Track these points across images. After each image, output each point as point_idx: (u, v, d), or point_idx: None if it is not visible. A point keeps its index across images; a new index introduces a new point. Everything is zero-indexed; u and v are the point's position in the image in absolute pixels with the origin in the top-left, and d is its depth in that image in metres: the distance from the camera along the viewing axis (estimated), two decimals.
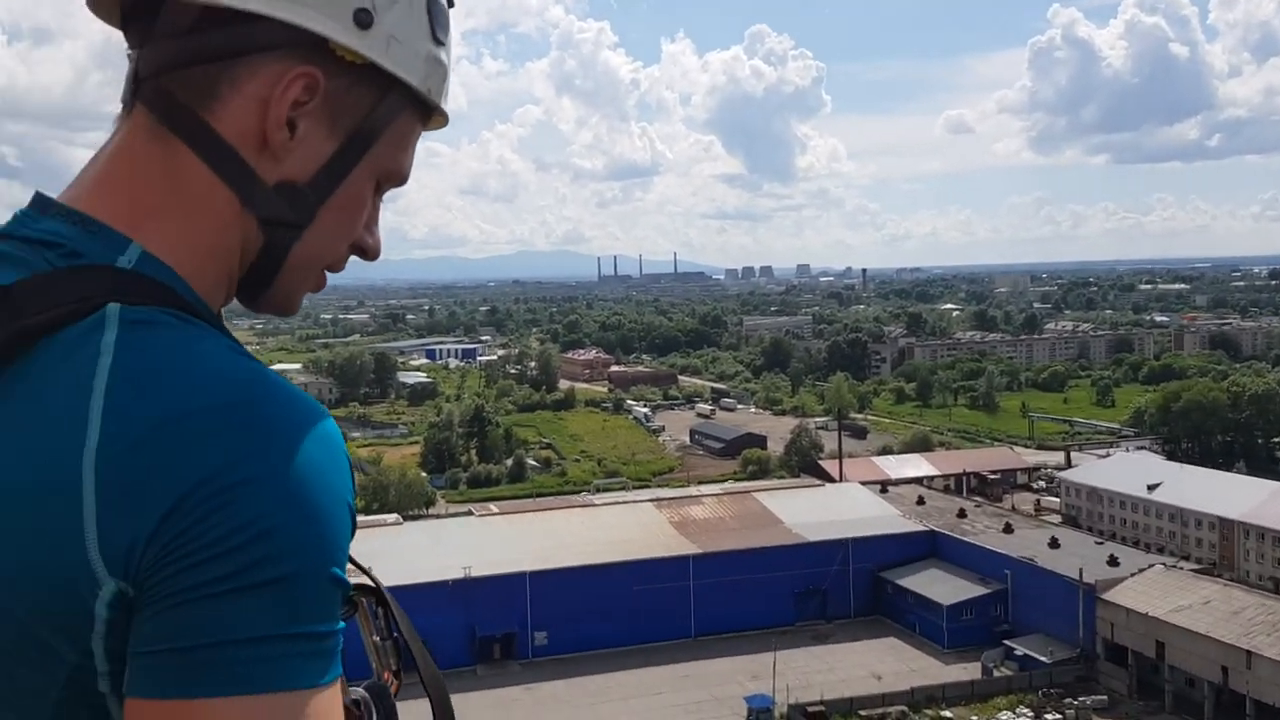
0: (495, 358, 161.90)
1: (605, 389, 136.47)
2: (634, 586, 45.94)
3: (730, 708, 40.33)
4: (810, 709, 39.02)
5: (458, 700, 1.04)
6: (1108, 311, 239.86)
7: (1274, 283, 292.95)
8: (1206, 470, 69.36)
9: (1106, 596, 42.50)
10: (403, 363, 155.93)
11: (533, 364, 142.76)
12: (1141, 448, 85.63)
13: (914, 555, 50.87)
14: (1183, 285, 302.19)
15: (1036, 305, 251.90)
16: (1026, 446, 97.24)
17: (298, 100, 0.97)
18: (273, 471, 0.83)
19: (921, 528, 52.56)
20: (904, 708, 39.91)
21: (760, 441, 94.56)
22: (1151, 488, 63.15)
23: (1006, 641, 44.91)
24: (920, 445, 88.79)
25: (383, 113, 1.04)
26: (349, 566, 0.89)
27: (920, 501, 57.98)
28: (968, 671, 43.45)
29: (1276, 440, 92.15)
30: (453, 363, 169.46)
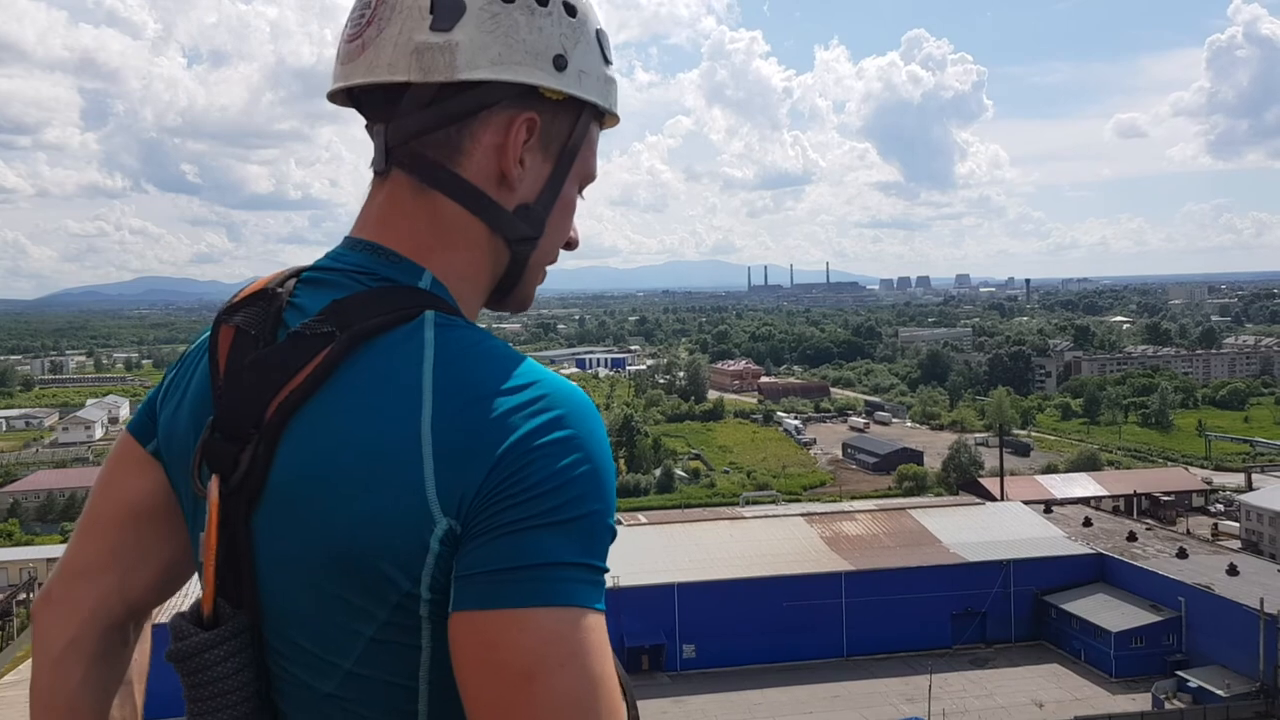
0: (644, 367, 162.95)
1: (755, 400, 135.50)
2: (784, 602, 45.23)
3: None
4: None
5: None
6: None
7: None
8: None
9: None
10: (554, 371, 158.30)
11: (681, 374, 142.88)
12: None
13: (1080, 579, 48.57)
14: None
15: (1214, 318, 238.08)
16: (1203, 467, 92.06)
17: (524, 140, 1.21)
18: (574, 435, 1.05)
19: (1088, 550, 50.19)
20: None
21: (916, 457, 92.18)
22: None
23: (1179, 673, 42.36)
24: (1087, 464, 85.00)
25: (580, 131, 1.27)
26: None
27: (1087, 523, 55.41)
28: (1136, 703, 41.09)
29: None
30: (602, 372, 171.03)
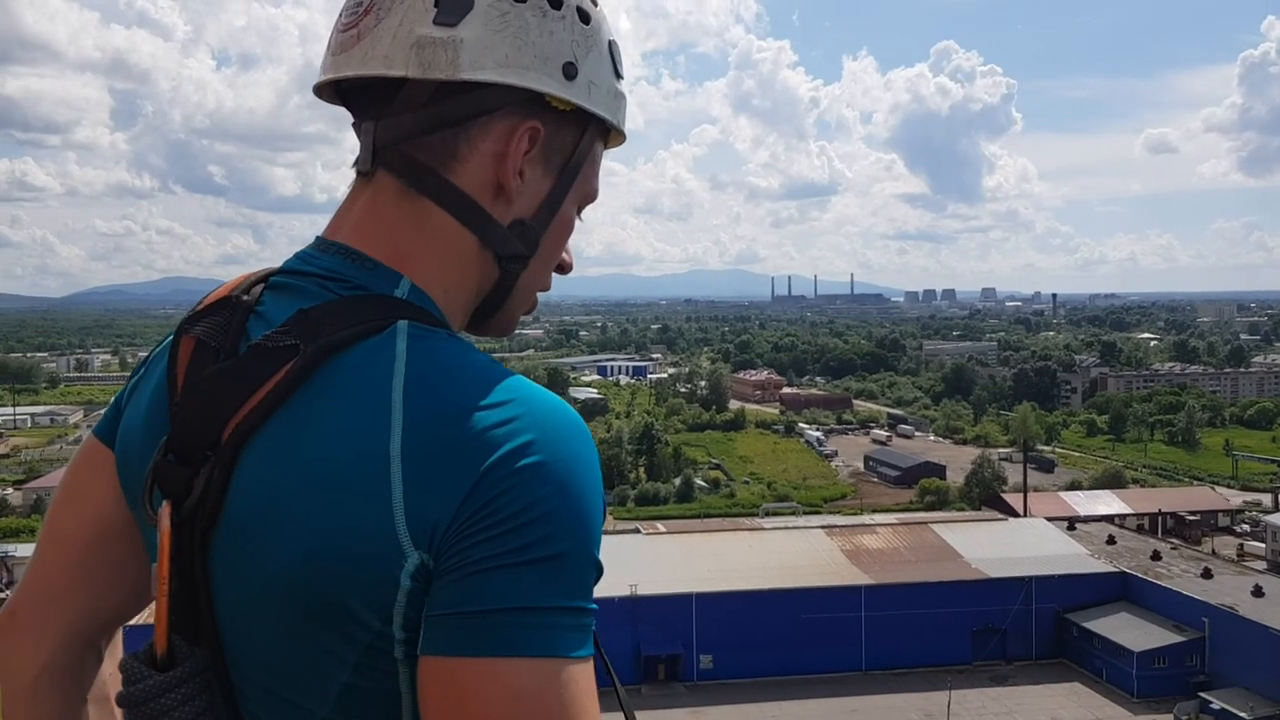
0: (666, 376, 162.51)
1: (777, 411, 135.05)
2: (803, 615, 44.95)
3: None
4: None
5: None
6: None
7: None
8: None
9: None
10: (575, 378, 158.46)
11: (703, 383, 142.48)
12: None
13: (1102, 597, 48.05)
14: None
15: (1243, 336, 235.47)
16: (1229, 487, 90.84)
17: (526, 151, 1.12)
18: (549, 461, 0.94)
19: (1111, 569, 49.67)
20: None
21: (939, 471, 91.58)
22: None
23: (1202, 694, 41.83)
24: (1112, 481, 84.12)
25: (584, 146, 1.18)
26: None
27: (1111, 541, 54.88)
28: None
29: None
30: (623, 380, 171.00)
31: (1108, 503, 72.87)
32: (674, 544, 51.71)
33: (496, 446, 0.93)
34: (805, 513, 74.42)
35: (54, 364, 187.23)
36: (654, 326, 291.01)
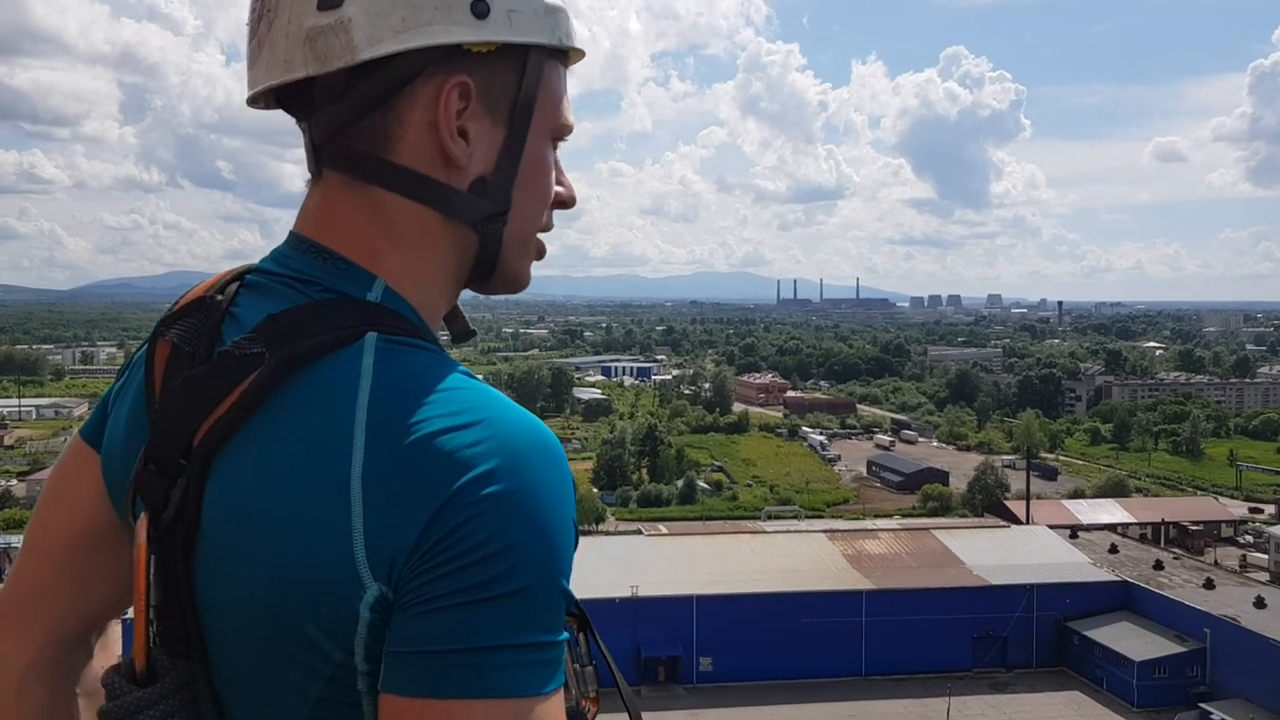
0: (670, 377, 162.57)
1: (780, 414, 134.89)
2: (803, 619, 44.92)
3: None
4: None
5: None
6: None
7: None
8: None
9: None
10: (579, 378, 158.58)
11: (707, 385, 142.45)
12: None
13: (1104, 606, 47.97)
14: None
15: (1250, 347, 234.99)
16: (1233, 498, 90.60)
17: (459, 110, 1.04)
18: (513, 490, 0.90)
19: (1113, 578, 49.59)
20: None
21: (942, 477, 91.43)
22: None
23: (1203, 705, 41.71)
24: (1115, 490, 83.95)
25: (530, 79, 1.09)
26: None
27: (1113, 550, 54.78)
28: None
29: None
30: (628, 380, 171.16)
31: (1111, 511, 72.69)
32: (676, 546, 51.72)
33: (458, 475, 0.89)
34: (807, 516, 74.45)
35: (59, 356, 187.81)
36: (659, 328, 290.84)
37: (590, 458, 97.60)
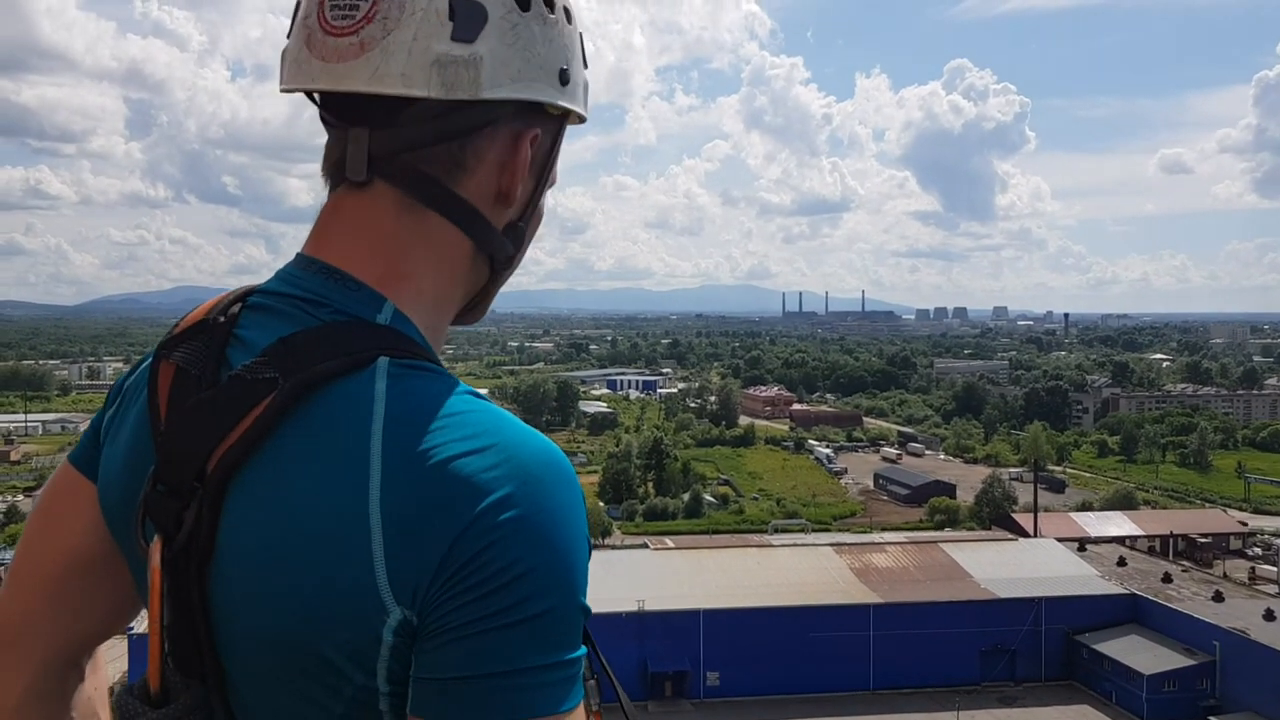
0: (675, 390, 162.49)
1: (786, 427, 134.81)
2: (811, 633, 44.76)
3: None
4: None
5: None
6: None
7: None
8: None
9: None
10: (584, 392, 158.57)
11: (713, 398, 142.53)
12: None
13: (1112, 619, 47.77)
14: None
15: (1257, 358, 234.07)
16: (1241, 510, 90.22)
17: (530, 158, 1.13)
18: (530, 515, 0.92)
19: (1122, 590, 49.38)
20: None
21: (949, 490, 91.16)
22: None
23: (1212, 718, 41.65)
24: (1123, 503, 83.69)
25: (559, 141, 1.20)
26: None
27: (1121, 563, 54.55)
28: None
29: None
30: (633, 394, 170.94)
31: (1119, 524, 72.47)
32: (682, 559, 51.58)
33: (476, 501, 0.91)
34: (814, 530, 74.26)
35: (66, 371, 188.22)
36: (664, 341, 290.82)
37: (596, 471, 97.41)
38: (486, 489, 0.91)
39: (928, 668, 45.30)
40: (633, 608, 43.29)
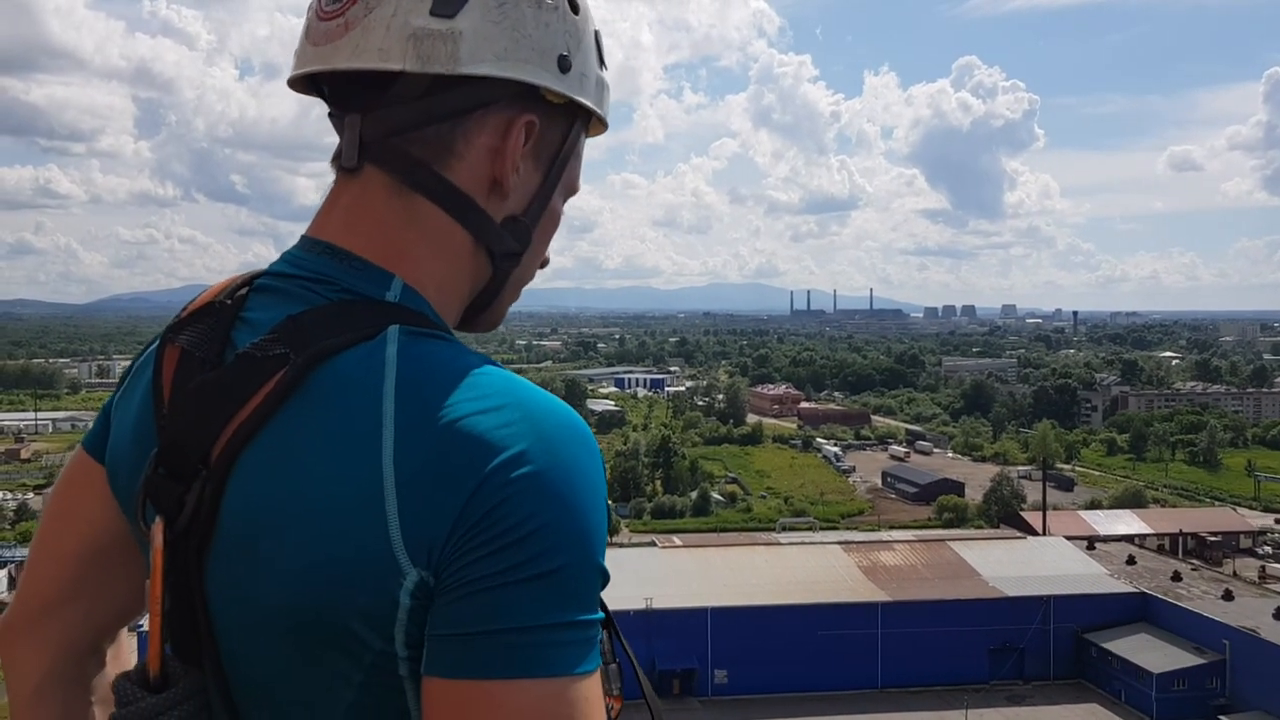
0: (683, 389, 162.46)
1: (794, 425, 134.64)
2: (819, 631, 44.74)
3: None
4: None
5: None
6: None
7: None
8: None
9: None
10: (592, 390, 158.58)
11: (721, 397, 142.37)
12: None
13: (1122, 618, 47.66)
14: None
15: (1266, 356, 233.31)
16: (1251, 508, 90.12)
17: (523, 145, 1.10)
18: (544, 470, 0.91)
19: (1131, 589, 49.27)
20: None
21: (957, 488, 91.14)
22: None
23: (1222, 717, 41.51)
24: (1132, 501, 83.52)
25: (572, 139, 1.17)
26: None
27: (1130, 561, 54.41)
28: None
29: None
30: (641, 392, 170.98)
31: (1128, 522, 72.35)
32: (690, 558, 51.59)
33: (490, 457, 0.90)
34: (822, 528, 74.27)
35: (76, 370, 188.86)
36: (672, 339, 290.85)
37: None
38: (500, 446, 0.91)
39: (936, 666, 45.26)
40: (641, 606, 43.29)
